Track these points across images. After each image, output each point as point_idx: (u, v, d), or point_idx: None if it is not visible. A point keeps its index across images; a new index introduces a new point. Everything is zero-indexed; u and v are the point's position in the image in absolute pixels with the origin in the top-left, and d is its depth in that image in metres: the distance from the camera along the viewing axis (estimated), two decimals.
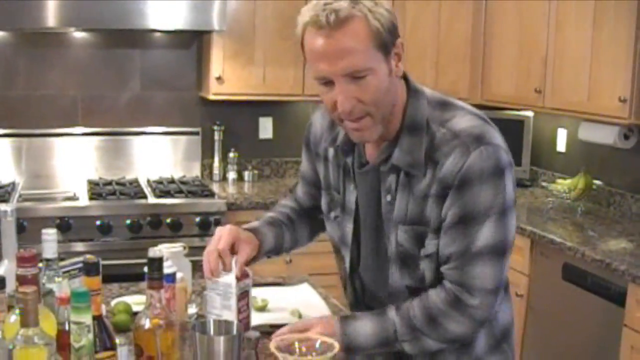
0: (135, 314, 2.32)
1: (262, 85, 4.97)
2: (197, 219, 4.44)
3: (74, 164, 5.04)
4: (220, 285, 2.18)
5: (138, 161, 5.17)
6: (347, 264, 2.29)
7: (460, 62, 5.27)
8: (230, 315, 2.17)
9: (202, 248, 4.17)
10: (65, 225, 4.25)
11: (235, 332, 1.94)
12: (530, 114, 5.19)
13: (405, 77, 2.07)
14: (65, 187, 4.86)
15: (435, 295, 2.03)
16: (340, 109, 1.93)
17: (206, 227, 4.43)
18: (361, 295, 2.32)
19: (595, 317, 3.66)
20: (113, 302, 2.56)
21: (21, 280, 1.78)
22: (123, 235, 4.33)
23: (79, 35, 5.03)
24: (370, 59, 1.89)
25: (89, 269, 1.83)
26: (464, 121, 2.00)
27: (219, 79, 4.86)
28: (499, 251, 1.99)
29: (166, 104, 5.25)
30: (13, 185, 4.78)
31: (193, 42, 5.23)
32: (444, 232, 2.01)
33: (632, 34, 3.95)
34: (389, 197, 2.09)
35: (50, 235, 2.09)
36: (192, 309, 2.47)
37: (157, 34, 5.14)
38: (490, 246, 1.97)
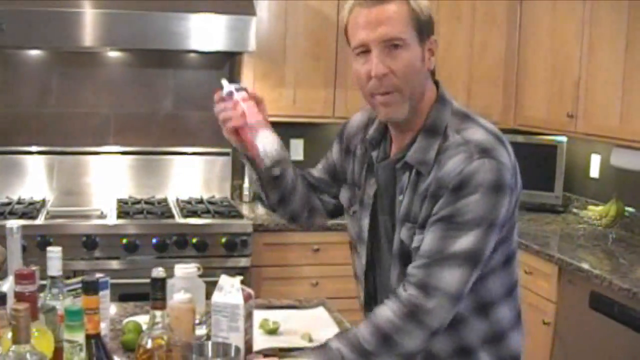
0: None
1: (292, 106, 4.96)
2: (223, 240, 4.43)
3: (105, 182, 5.07)
4: (227, 307, 2.16)
5: (169, 181, 5.18)
6: (363, 260, 2.31)
7: (492, 86, 5.23)
8: (238, 337, 2.16)
9: (228, 269, 4.28)
10: (92, 243, 4.27)
11: (233, 354, 1.93)
12: (563, 139, 5.13)
13: (436, 84, 2.17)
14: (96, 205, 4.89)
15: (387, 311, 1.99)
16: (373, 72, 2.02)
17: (232, 247, 4.43)
18: (373, 293, 2.32)
19: (622, 348, 3.58)
20: (125, 321, 2.56)
21: (19, 297, 1.77)
22: (149, 254, 4.33)
23: (112, 54, 5.07)
24: (406, 33, 2.01)
25: (87, 288, 1.82)
26: (477, 133, 2.05)
27: None
28: (473, 261, 1.99)
29: (198, 124, 5.27)
30: (43, 202, 4.82)
31: (225, 62, 5.25)
32: (427, 229, 2.03)
33: None
34: (401, 197, 2.14)
35: (54, 252, 2.08)
36: (202, 330, 2.44)
37: (191, 54, 5.17)
38: (467, 253, 1.97)
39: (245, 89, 2.17)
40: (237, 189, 5.34)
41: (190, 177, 5.22)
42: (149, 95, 5.19)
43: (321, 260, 4.74)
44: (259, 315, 2.59)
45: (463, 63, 5.17)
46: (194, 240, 4.39)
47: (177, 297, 2.23)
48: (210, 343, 2.01)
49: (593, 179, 5.05)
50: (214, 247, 4.42)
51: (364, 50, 2.04)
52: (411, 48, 2.02)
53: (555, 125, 4.77)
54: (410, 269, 2.02)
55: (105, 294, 2.35)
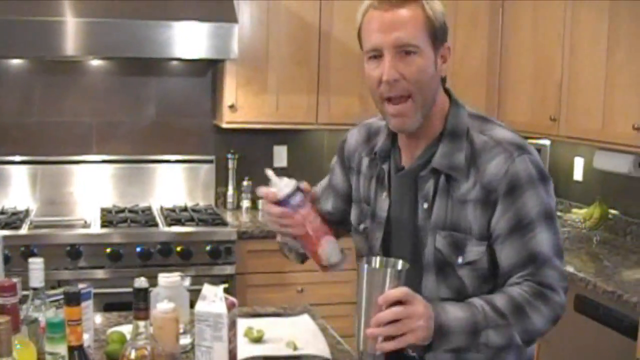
0: None
1: (275, 113, 4.95)
2: (208, 248, 4.42)
3: (89, 191, 5.05)
4: (210, 316, 2.16)
5: (152, 189, 5.17)
6: None
7: (475, 89, 5.22)
8: (222, 346, 2.15)
9: (212, 277, 4.26)
10: (76, 253, 4.25)
11: (400, 267, 1.98)
12: (547, 142, 5.14)
13: (447, 90, 2.18)
14: (79, 215, 4.88)
15: (518, 289, 2.03)
16: (385, 76, 2.00)
17: (216, 255, 4.42)
18: None
19: (608, 350, 3.59)
20: (108, 332, 2.54)
21: (0, 309, 1.76)
22: (133, 263, 4.30)
23: (95, 62, 5.06)
24: (420, 39, 2.00)
25: (69, 299, 1.81)
26: (504, 132, 2.09)
27: (232, 107, 4.85)
28: (560, 251, 2.06)
29: (181, 132, 5.26)
30: (26, 212, 4.80)
31: (208, 69, 5.24)
32: (502, 243, 2.04)
33: None
34: (425, 205, 2.12)
35: (36, 264, 2.07)
36: (187, 339, 2.44)
37: (173, 62, 5.16)
38: (553, 248, 2.04)
39: (300, 189, 2.14)
40: (220, 197, 5.33)
41: (174, 185, 5.21)
42: (132, 103, 5.18)
43: (306, 266, 4.67)
44: (243, 324, 2.58)
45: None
46: (179, 249, 4.37)
47: (161, 306, 2.22)
48: (378, 257, 2.05)
49: (577, 181, 5.06)
50: (199, 255, 4.41)
51: (377, 54, 2.04)
52: (424, 54, 2.01)
53: (538, 128, 4.77)
54: (517, 279, 2.04)
55: (88, 304, 2.33)
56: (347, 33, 5.00)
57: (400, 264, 1.99)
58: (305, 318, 2.82)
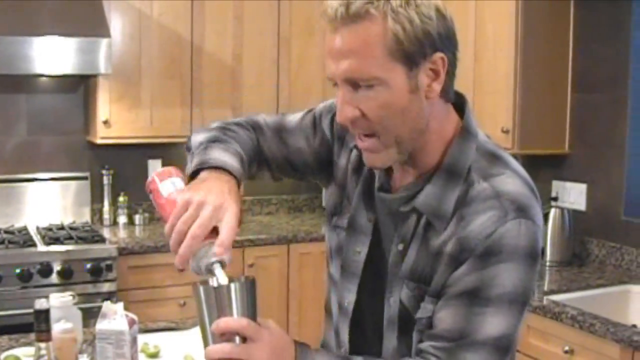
0: None
1: (149, 127, 4.95)
2: (88, 266, 4.36)
3: None
4: (112, 334, 2.17)
5: (26, 208, 5.06)
6: (352, 297, 1.86)
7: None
8: None
9: (94, 295, 4.23)
10: None
11: (243, 278, 1.58)
12: None
13: (462, 110, 1.75)
14: None
15: None
16: (337, 118, 1.64)
17: (97, 273, 4.37)
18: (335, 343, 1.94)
19: None
20: (2, 356, 2.52)
21: None
22: (13, 285, 4.20)
23: None
24: (380, 68, 1.56)
25: None
26: (511, 183, 1.65)
27: (105, 122, 4.82)
28: (505, 349, 1.64)
29: (54, 149, 5.18)
30: None
31: (79, 85, 5.19)
32: (445, 302, 1.65)
33: (511, 64, 4.08)
34: (400, 246, 1.74)
35: None
36: (84, 359, 2.44)
37: (43, 78, 5.08)
38: (497, 339, 1.62)
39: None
40: (97, 213, 5.28)
41: (48, 203, 5.12)
42: (2, 121, 5.06)
43: (186, 279, 4.71)
44: (137, 340, 2.59)
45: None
46: (59, 268, 4.30)
47: (58, 327, 2.22)
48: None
49: None
50: (79, 273, 4.35)
51: (335, 82, 1.63)
52: (391, 85, 1.57)
53: None
54: (429, 348, 1.64)
55: None
56: (219, 47, 5.06)
57: (242, 276, 1.58)
58: (197, 331, 2.83)
